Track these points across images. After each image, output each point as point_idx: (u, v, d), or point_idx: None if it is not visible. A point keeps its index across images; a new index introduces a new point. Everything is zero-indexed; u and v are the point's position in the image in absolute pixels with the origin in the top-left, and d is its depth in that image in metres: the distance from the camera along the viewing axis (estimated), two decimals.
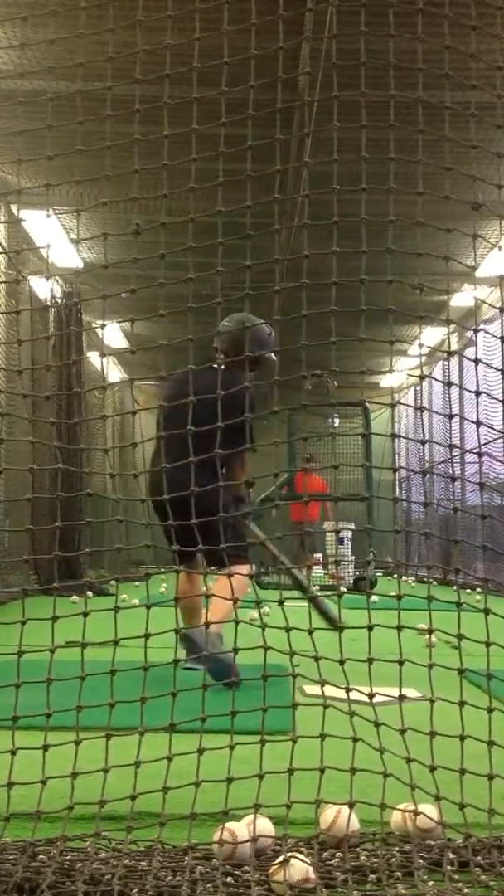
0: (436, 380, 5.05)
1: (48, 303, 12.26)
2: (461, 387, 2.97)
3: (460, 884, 1.73)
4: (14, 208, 10.44)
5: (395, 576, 15.19)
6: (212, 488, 2.26)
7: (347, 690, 2.00)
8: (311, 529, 11.68)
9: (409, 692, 2.07)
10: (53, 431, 8.39)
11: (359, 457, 11.30)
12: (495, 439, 7.44)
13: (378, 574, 14.21)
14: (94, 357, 15.36)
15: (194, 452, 2.15)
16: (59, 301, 12.60)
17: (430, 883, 1.73)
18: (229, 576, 2.29)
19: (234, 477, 4.22)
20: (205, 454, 2.21)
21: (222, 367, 3.86)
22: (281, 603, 2.12)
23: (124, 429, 16.45)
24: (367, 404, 10.53)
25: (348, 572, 12.61)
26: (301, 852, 1.80)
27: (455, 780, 1.93)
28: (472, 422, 2.35)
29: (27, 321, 10.94)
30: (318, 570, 13.15)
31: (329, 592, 10.46)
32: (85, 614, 2.08)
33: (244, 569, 2.37)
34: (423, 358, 17.15)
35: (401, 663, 2.04)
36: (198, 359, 2.54)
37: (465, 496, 14.33)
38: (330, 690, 2.00)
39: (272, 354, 4.26)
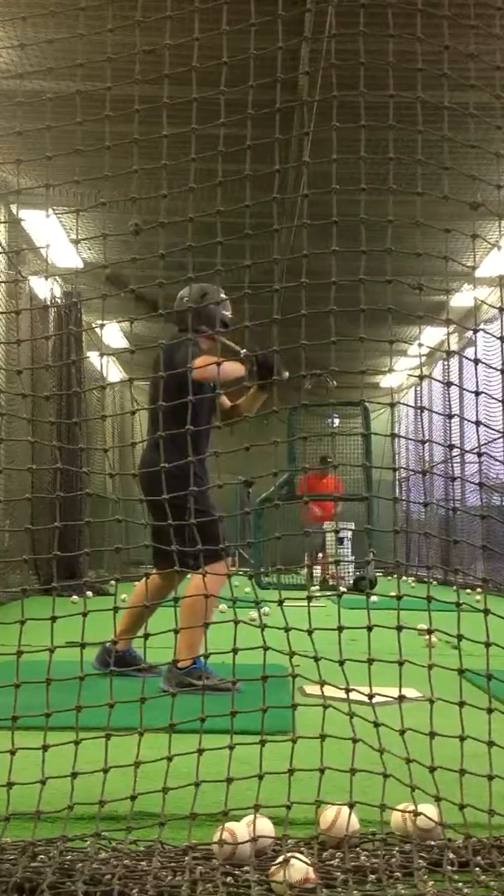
0: (436, 380, 5.05)
1: (48, 303, 12.25)
2: (461, 387, 2.97)
3: (460, 884, 1.73)
4: (14, 208, 10.45)
5: (395, 576, 15.19)
6: (176, 469, 2.24)
7: (347, 691, 2.00)
8: (309, 529, 11.70)
9: (409, 692, 2.07)
10: (53, 431, 8.38)
11: (359, 457, 11.31)
12: (495, 439, 7.45)
13: (378, 574, 14.21)
14: (94, 357, 15.36)
15: (162, 429, 2.18)
16: (59, 301, 12.60)
17: (430, 883, 1.73)
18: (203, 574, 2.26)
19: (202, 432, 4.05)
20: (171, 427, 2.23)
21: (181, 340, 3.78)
22: (280, 603, 2.12)
23: (124, 429, 16.44)
24: (366, 404, 10.55)
25: (348, 572, 12.61)
26: (301, 852, 1.80)
27: (455, 780, 1.93)
28: (472, 422, 2.35)
29: (27, 321, 10.94)
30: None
31: (329, 593, 10.47)
32: (84, 614, 2.08)
33: (218, 567, 2.38)
34: (423, 358, 17.16)
35: (401, 664, 2.04)
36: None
37: (465, 496, 14.34)
38: (330, 691, 2.00)
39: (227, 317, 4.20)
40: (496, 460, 9.16)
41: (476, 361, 2.39)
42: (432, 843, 1.92)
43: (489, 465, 10.98)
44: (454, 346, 15.11)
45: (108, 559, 14.18)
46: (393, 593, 2.26)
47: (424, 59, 2.23)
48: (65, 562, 10.64)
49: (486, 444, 2.51)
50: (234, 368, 3.90)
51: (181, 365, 2.29)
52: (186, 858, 1.83)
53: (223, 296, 4.21)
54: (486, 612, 2.06)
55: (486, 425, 2.37)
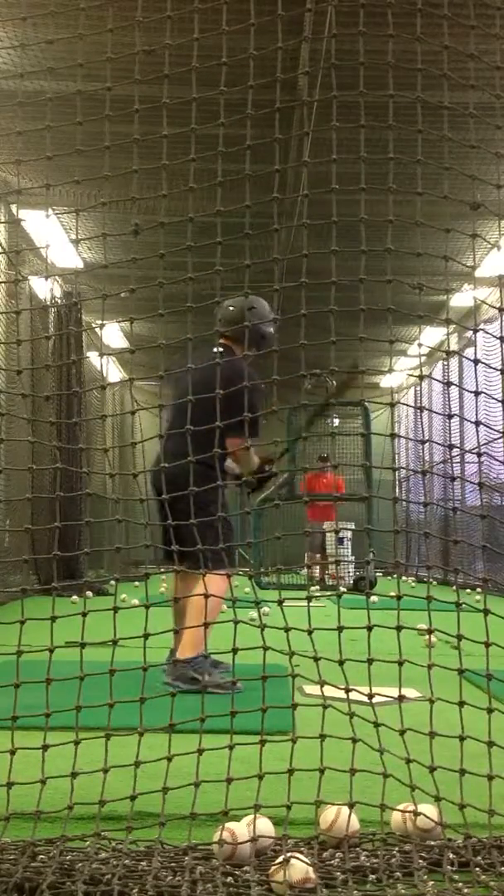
0: (436, 380, 5.05)
1: (48, 303, 12.25)
2: (461, 387, 2.97)
3: (460, 884, 1.73)
4: (14, 208, 10.44)
5: (395, 576, 15.18)
6: (201, 479, 2.22)
7: (347, 691, 2.00)
8: (309, 529, 11.69)
9: (409, 692, 2.06)
10: (53, 431, 8.38)
11: (359, 457, 11.31)
12: (495, 439, 7.45)
13: (378, 574, 14.20)
14: (94, 357, 15.36)
15: (193, 441, 2.13)
16: (59, 301, 12.60)
17: (430, 883, 1.73)
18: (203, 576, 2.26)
19: (230, 455, 4.28)
20: (201, 443, 2.19)
21: (220, 350, 3.81)
22: (280, 603, 2.12)
23: (124, 429, 16.45)
24: (366, 404, 10.55)
25: (348, 572, 12.61)
26: (301, 852, 1.80)
27: (455, 780, 1.93)
28: (472, 422, 2.35)
29: (27, 321, 10.94)
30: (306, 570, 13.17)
31: (328, 593, 10.47)
32: (84, 614, 2.08)
33: (219, 577, 2.42)
34: (423, 358, 17.16)
35: (400, 664, 2.04)
36: (199, 349, 2.47)
37: (465, 496, 14.33)
38: (329, 691, 2.00)
39: (272, 334, 4.29)
40: (496, 460, 9.17)
41: (476, 361, 2.39)
42: (432, 843, 1.92)
43: (489, 466, 10.97)
44: (454, 346, 15.10)
45: (108, 559, 14.19)
46: (393, 593, 2.26)
47: (424, 59, 2.23)
48: (65, 562, 10.65)
49: (486, 444, 2.51)
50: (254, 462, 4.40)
51: (239, 381, 2.20)
52: (186, 858, 1.83)
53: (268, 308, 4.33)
54: (486, 612, 2.06)
55: (486, 425, 2.37)
